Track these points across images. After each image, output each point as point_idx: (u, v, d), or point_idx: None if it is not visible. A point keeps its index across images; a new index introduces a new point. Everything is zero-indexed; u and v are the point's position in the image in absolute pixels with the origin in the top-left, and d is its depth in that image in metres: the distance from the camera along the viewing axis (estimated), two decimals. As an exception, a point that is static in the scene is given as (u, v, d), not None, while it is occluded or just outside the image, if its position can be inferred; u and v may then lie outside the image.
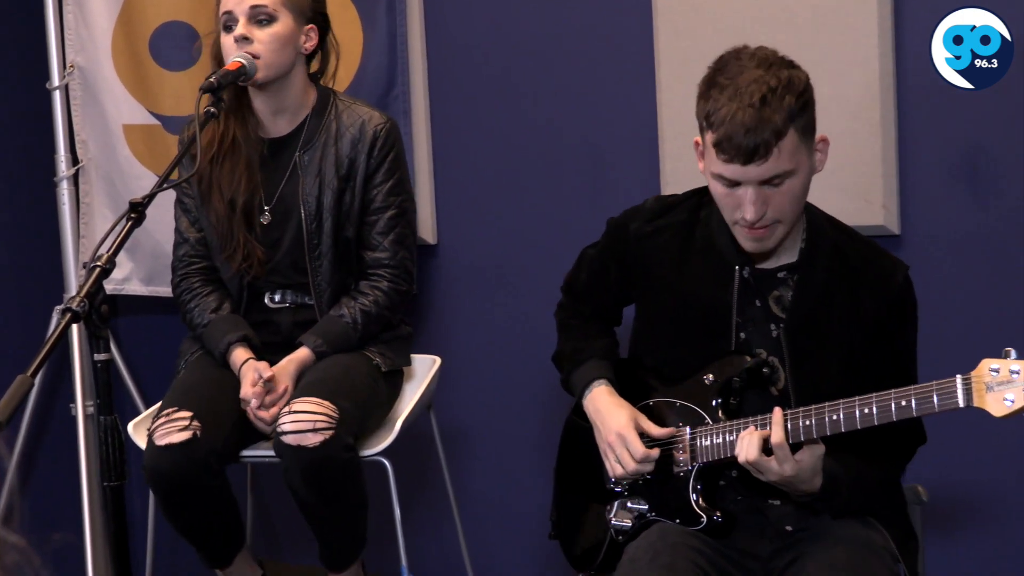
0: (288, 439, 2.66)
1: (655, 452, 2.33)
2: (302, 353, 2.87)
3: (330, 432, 2.66)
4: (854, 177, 2.91)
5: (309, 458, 2.67)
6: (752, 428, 2.17)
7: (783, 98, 2.11)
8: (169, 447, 2.68)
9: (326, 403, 2.70)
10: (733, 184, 2.16)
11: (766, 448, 2.12)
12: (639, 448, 2.32)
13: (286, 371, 2.85)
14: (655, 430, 2.35)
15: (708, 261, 2.32)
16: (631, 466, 2.33)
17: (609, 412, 2.39)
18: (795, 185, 2.16)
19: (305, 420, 2.67)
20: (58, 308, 3.67)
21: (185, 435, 2.68)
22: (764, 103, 2.09)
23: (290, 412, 2.69)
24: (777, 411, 2.14)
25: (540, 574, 3.46)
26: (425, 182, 3.49)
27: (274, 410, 2.80)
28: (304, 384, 2.82)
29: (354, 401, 2.78)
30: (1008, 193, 2.89)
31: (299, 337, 2.91)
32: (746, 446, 2.14)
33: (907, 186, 2.96)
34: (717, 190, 2.20)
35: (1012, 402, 1.93)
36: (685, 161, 2.85)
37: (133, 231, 2.37)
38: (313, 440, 2.65)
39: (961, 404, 1.97)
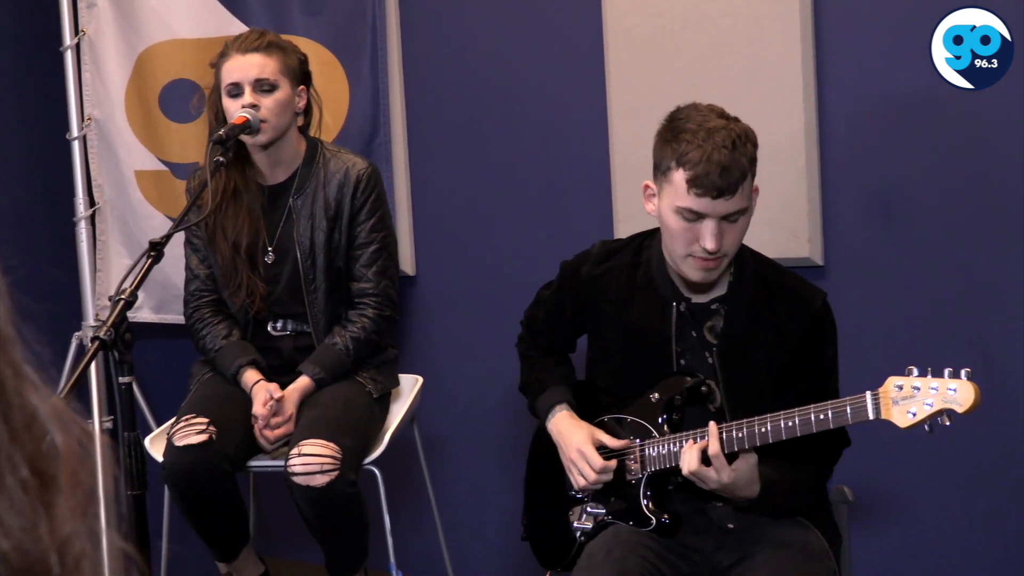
0: (298, 479, 2.79)
1: (612, 463, 2.43)
2: (304, 382, 3.00)
3: (335, 473, 2.79)
4: (784, 215, 3.03)
5: (317, 495, 2.80)
6: (691, 442, 2.25)
7: (746, 145, 2.25)
8: (188, 447, 2.81)
9: (331, 445, 2.81)
10: (696, 218, 2.24)
11: (705, 459, 2.21)
12: (598, 461, 2.42)
13: (291, 398, 2.97)
14: (611, 441, 2.45)
15: (649, 298, 2.42)
16: (592, 477, 2.43)
17: (570, 432, 2.48)
18: (744, 223, 2.29)
19: (313, 463, 2.79)
20: (77, 334, 3.77)
21: (202, 437, 2.83)
22: (735, 147, 2.22)
23: (300, 455, 2.80)
24: (712, 425, 2.21)
25: (510, 568, 3.55)
26: (405, 221, 3.60)
27: (279, 431, 2.94)
28: (310, 421, 2.91)
29: (355, 436, 2.91)
30: (913, 230, 3.00)
31: (300, 365, 3.02)
32: (687, 459, 2.22)
33: (829, 223, 3.06)
34: (676, 225, 2.27)
35: (914, 415, 2.05)
36: (634, 202, 2.89)
37: (153, 267, 2.45)
38: (320, 481, 2.78)
39: (871, 417, 2.08)
